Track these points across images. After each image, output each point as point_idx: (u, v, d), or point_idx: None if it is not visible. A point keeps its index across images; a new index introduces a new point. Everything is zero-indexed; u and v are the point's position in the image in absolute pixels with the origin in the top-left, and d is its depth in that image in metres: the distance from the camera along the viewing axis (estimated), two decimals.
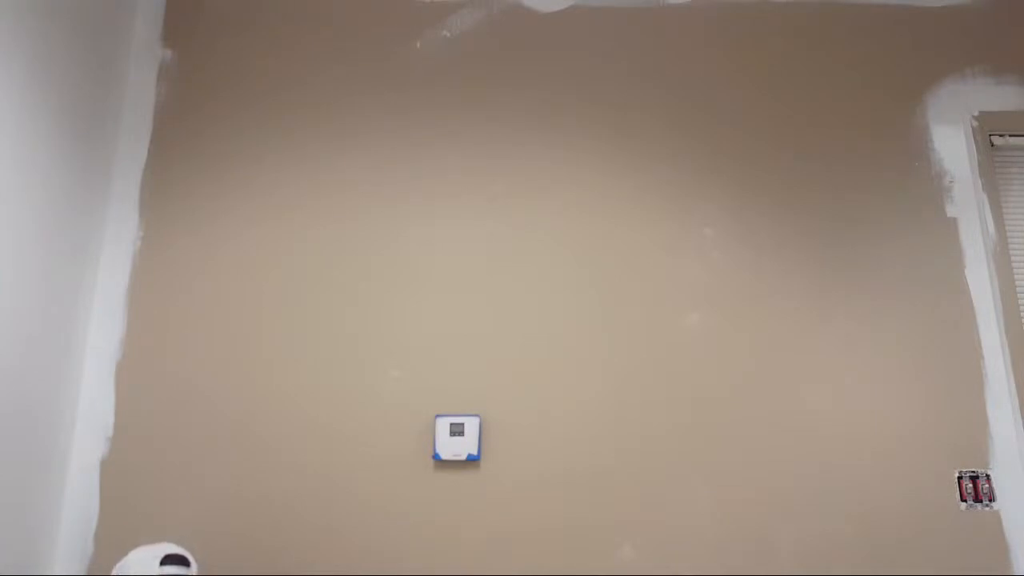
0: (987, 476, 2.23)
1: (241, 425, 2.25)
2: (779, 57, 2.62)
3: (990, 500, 2.21)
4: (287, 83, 2.56)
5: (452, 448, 2.23)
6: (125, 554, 2.14)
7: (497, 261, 2.41)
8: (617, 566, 2.16)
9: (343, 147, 2.51)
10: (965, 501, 2.22)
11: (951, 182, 2.50)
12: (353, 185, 2.47)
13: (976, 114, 2.56)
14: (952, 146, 2.53)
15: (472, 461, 2.24)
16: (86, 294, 2.30)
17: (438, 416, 2.26)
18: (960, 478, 2.23)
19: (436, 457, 2.22)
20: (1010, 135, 2.55)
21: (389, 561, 2.16)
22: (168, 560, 1.86)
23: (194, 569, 1.89)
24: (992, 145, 2.55)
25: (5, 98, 1.95)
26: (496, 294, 2.38)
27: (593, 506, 2.21)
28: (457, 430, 2.24)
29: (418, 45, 2.62)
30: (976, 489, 2.22)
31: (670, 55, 2.62)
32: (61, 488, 2.18)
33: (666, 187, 2.49)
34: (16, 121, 2.00)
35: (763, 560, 2.17)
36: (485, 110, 2.55)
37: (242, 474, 2.22)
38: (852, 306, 2.39)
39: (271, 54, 2.59)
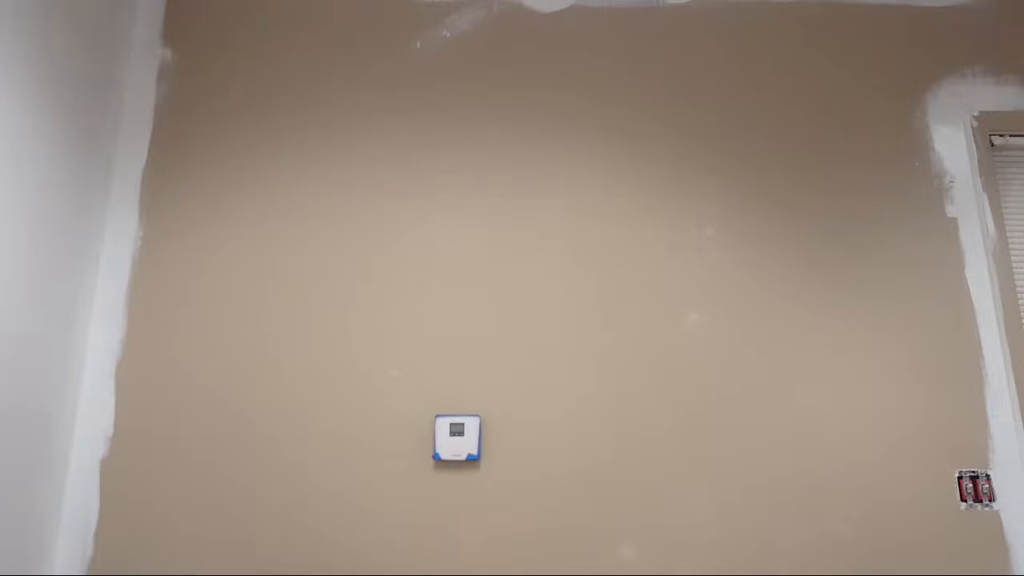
0: (987, 476, 2.23)
1: (241, 425, 2.25)
2: (779, 57, 2.62)
3: (990, 500, 2.21)
4: (287, 83, 2.56)
5: (452, 448, 2.23)
6: (125, 554, 2.14)
7: (497, 261, 2.41)
8: (617, 566, 2.16)
9: (343, 147, 2.51)
10: (965, 501, 2.22)
11: (951, 182, 2.50)
12: (353, 185, 2.47)
13: (976, 114, 2.56)
14: (952, 146, 2.53)
15: (472, 461, 2.24)
16: (86, 294, 2.30)
17: (438, 416, 2.26)
18: (960, 478, 2.23)
19: (436, 457, 2.22)
20: (1010, 135, 2.55)
21: (389, 561, 2.16)
22: None
23: None
24: (992, 145, 2.55)
25: (5, 98, 1.95)
26: (496, 294, 2.38)
27: (593, 506, 2.21)
28: (457, 430, 2.24)
29: (418, 45, 2.62)
30: (976, 489, 2.22)
31: (670, 55, 2.62)
32: (61, 488, 2.18)
33: (666, 187, 2.49)
34: (16, 121, 2.00)
35: (763, 560, 2.17)
36: (485, 110, 2.55)
37: (242, 474, 2.22)
38: (852, 306, 2.39)
39: (271, 54, 2.59)
